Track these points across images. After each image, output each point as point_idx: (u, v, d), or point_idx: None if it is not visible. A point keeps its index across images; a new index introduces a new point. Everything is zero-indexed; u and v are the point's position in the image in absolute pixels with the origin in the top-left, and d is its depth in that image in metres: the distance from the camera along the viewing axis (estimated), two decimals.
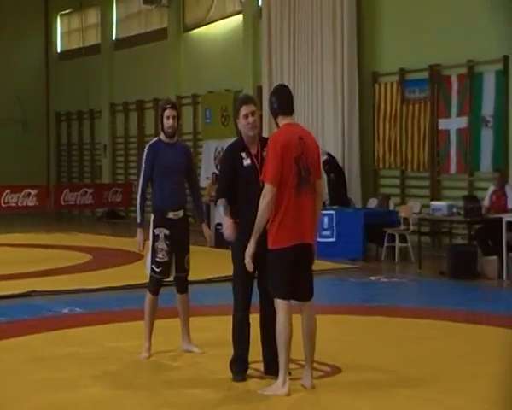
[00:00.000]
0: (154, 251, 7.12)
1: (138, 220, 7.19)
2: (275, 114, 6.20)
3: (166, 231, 7.10)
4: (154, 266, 7.14)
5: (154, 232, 7.14)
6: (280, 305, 6.04)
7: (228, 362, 6.54)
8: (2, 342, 7.88)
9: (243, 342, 6.47)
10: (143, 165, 7.22)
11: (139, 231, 7.20)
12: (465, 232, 13.94)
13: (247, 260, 6.06)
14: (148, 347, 7.20)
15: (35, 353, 7.42)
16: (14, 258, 14.89)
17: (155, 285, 7.20)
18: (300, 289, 6.12)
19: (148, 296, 7.23)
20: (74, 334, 8.29)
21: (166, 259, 7.12)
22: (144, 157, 7.24)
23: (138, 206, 7.21)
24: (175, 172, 7.18)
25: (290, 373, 6.16)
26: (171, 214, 7.14)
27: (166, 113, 7.22)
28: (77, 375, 6.63)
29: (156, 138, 7.41)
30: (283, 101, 6.18)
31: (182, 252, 7.19)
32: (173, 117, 7.22)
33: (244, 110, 6.38)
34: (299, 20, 18.03)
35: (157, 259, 7.12)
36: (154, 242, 7.13)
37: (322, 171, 14.75)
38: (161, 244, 7.10)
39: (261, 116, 18.18)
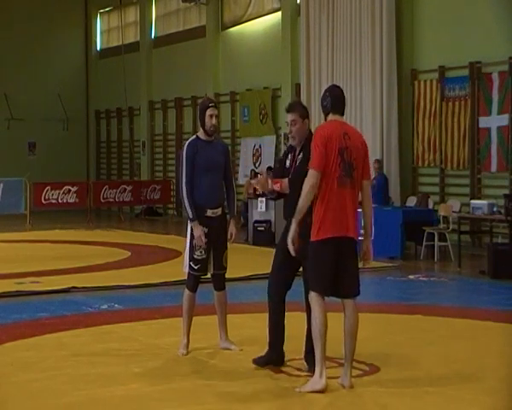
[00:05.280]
0: (192, 248, 7.13)
1: (191, 215, 7.06)
2: (326, 112, 6.29)
3: (204, 229, 7.10)
4: (191, 264, 7.14)
5: (191, 230, 7.15)
6: (314, 299, 6.06)
7: None
8: (42, 338, 7.95)
9: (274, 330, 6.58)
10: (184, 163, 7.13)
11: (195, 225, 7.05)
12: (506, 231, 13.78)
13: (290, 244, 6.06)
14: (185, 343, 7.22)
15: (74, 349, 7.48)
16: (54, 254, 15.04)
17: (193, 282, 7.21)
18: (342, 286, 6.11)
19: (186, 293, 7.24)
20: (113, 330, 8.34)
21: (204, 256, 7.12)
22: (185, 156, 7.15)
23: (187, 202, 7.07)
24: (214, 170, 7.16)
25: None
26: (209, 212, 7.14)
27: (209, 111, 7.15)
28: (115, 371, 6.68)
29: (194, 136, 7.34)
30: (335, 100, 6.27)
31: (220, 249, 7.19)
32: (216, 116, 7.19)
33: (286, 118, 6.66)
34: (337, 17, 17.97)
35: (195, 256, 7.12)
36: (192, 239, 7.14)
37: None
38: (199, 242, 7.10)
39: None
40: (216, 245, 7.17)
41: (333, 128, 6.14)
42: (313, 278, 6.09)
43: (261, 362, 6.64)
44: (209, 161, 7.13)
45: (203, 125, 7.20)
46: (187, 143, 7.27)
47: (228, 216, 7.36)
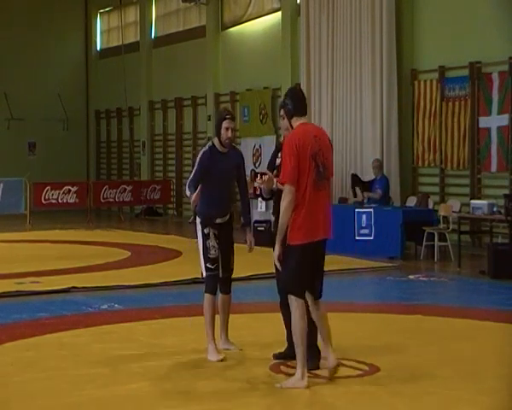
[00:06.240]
0: (207, 249, 7.09)
1: (192, 192, 6.91)
2: (289, 115, 6.33)
3: (215, 231, 7.13)
4: (208, 265, 7.10)
5: (203, 232, 7.12)
6: (295, 304, 6.12)
7: (264, 359, 6.57)
8: (42, 338, 7.95)
9: (289, 326, 6.67)
10: (196, 171, 7.04)
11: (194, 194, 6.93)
12: (506, 231, 13.78)
13: (276, 261, 6.16)
14: (215, 348, 7.07)
15: (74, 349, 7.49)
16: (54, 254, 15.03)
17: (213, 283, 7.14)
18: (316, 286, 6.22)
19: (208, 298, 7.13)
20: (113, 330, 8.34)
21: (218, 255, 7.13)
22: (197, 166, 7.06)
23: (190, 191, 6.97)
24: (225, 182, 7.14)
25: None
26: (218, 220, 7.17)
27: (225, 124, 7.08)
28: (115, 371, 6.68)
29: (210, 144, 7.19)
30: (297, 102, 6.31)
31: (227, 252, 7.21)
32: (232, 129, 7.10)
33: (280, 113, 6.72)
34: (337, 16, 17.96)
35: (210, 256, 7.09)
36: (204, 240, 7.11)
37: None
38: (212, 242, 7.10)
39: None
40: (223, 248, 7.18)
41: (303, 134, 6.17)
42: (293, 281, 6.13)
43: (281, 357, 6.82)
44: (222, 174, 7.07)
45: (219, 137, 7.12)
46: (202, 152, 7.14)
47: (243, 223, 7.45)
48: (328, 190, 6.24)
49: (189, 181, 7.11)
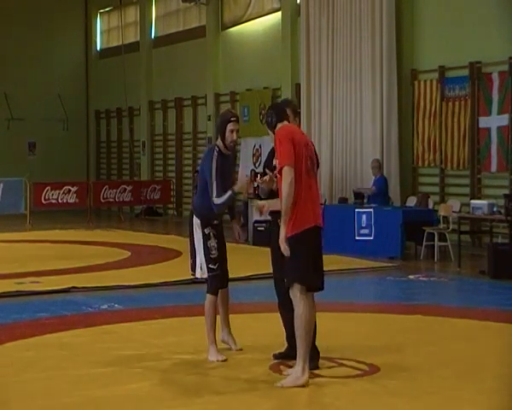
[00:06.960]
0: (208, 249, 7.06)
1: (229, 195, 6.82)
2: (273, 125, 6.44)
3: (214, 231, 7.11)
4: (211, 265, 7.05)
5: (204, 232, 7.08)
6: (299, 296, 6.08)
7: (264, 359, 6.57)
8: (43, 338, 7.95)
9: (288, 326, 6.67)
10: (218, 180, 6.87)
11: (238, 189, 6.86)
12: (506, 231, 13.78)
13: (282, 246, 6.10)
14: (216, 349, 7.02)
15: (74, 349, 7.49)
16: (54, 254, 15.03)
17: (215, 283, 7.08)
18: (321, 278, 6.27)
19: (209, 299, 7.07)
20: (113, 330, 8.34)
21: (218, 253, 7.11)
22: (216, 171, 6.88)
23: (223, 200, 6.84)
24: (227, 183, 7.08)
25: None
26: (215, 221, 7.16)
27: (230, 126, 6.94)
28: (115, 371, 6.68)
29: (216, 148, 7.00)
30: (280, 113, 6.48)
31: (223, 249, 7.19)
32: (237, 131, 6.99)
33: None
34: (337, 16, 17.96)
35: (211, 256, 7.06)
36: (205, 241, 7.06)
37: None
38: (213, 242, 7.07)
39: (299, 114, 18.16)
40: (220, 245, 7.17)
41: (292, 126, 6.45)
42: (299, 270, 6.09)
43: (281, 357, 6.81)
44: (224, 177, 7.00)
45: (223, 139, 6.99)
46: (215, 158, 6.92)
47: (231, 216, 7.44)
48: (316, 180, 6.38)
49: (215, 192, 6.84)
